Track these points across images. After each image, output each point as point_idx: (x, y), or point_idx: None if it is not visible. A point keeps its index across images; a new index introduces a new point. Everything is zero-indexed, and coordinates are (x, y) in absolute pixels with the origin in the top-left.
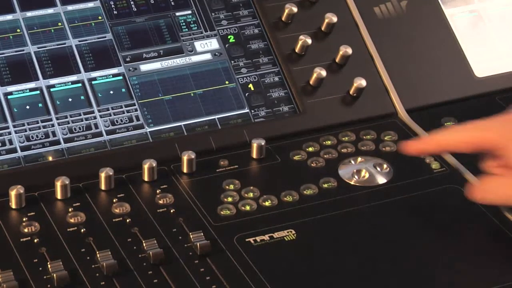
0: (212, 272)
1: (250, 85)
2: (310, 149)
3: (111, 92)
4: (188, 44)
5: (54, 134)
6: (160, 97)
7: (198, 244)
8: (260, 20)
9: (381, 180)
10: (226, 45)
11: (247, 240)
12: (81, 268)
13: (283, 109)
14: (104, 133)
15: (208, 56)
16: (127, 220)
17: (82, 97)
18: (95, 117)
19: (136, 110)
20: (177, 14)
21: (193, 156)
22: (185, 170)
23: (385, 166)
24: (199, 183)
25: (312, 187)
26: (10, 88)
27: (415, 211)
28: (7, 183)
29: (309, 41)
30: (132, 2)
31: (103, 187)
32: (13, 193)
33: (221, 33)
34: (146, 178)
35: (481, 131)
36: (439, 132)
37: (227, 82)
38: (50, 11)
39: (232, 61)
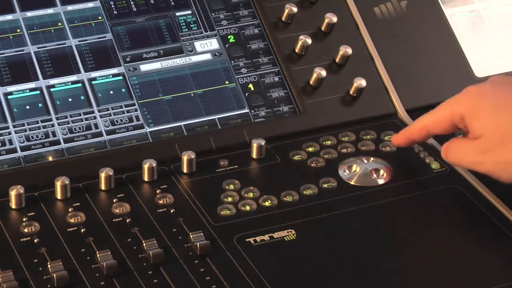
0: (212, 272)
1: (250, 85)
2: (310, 149)
3: (111, 92)
4: (188, 44)
5: (54, 134)
6: (160, 97)
7: (198, 244)
8: (260, 20)
9: (381, 180)
10: (226, 45)
11: (247, 240)
12: (81, 268)
13: (283, 109)
14: (104, 133)
15: (208, 56)
16: (127, 220)
17: (82, 97)
18: (95, 117)
19: (136, 110)
20: (177, 14)
21: (193, 156)
22: (185, 170)
23: (384, 166)
24: (199, 183)
25: (312, 187)
26: (10, 88)
27: (415, 211)
28: (7, 183)
29: (309, 41)
30: (132, 2)
31: (103, 187)
32: (13, 193)
33: (221, 33)
34: (146, 178)
35: (450, 107)
36: (417, 119)
37: (227, 82)
38: (50, 11)
39: (232, 61)
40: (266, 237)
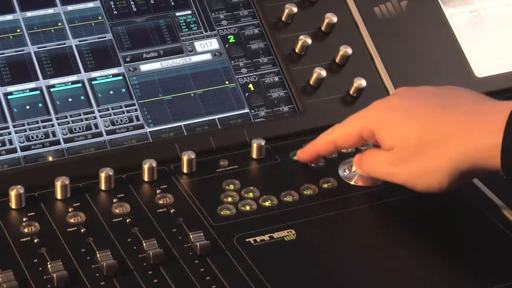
0: (212, 272)
1: (250, 85)
2: None
3: (111, 92)
4: (188, 44)
5: (54, 134)
6: (160, 97)
7: (198, 244)
8: (260, 20)
9: (381, 180)
10: (226, 45)
11: (247, 240)
12: (81, 268)
13: (283, 109)
14: (104, 133)
15: (208, 56)
16: (127, 220)
17: (82, 97)
18: (95, 117)
19: (136, 110)
20: (177, 14)
21: (193, 156)
22: (185, 170)
23: None
24: (199, 183)
25: (312, 187)
26: (10, 88)
27: (414, 211)
28: (7, 183)
29: (309, 41)
30: (132, 2)
31: (103, 187)
32: (13, 193)
33: (221, 33)
34: (146, 178)
35: (359, 122)
36: (324, 133)
37: (227, 82)
38: (50, 11)
39: (232, 61)
40: (266, 237)
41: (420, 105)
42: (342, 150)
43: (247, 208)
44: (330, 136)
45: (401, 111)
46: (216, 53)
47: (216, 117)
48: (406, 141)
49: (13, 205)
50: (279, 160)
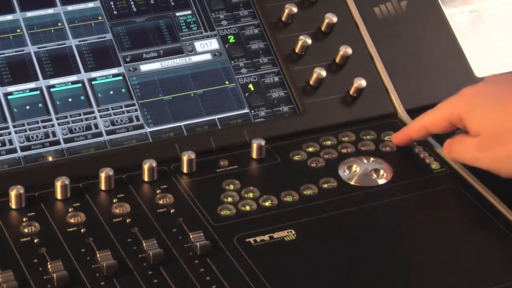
0: (212, 272)
1: (250, 85)
2: (310, 149)
3: (111, 92)
4: (188, 44)
5: (54, 134)
6: (160, 97)
7: (198, 244)
8: (260, 20)
9: (381, 180)
10: (226, 45)
11: (247, 240)
12: (81, 268)
13: (283, 109)
14: (104, 133)
15: (208, 56)
16: (127, 220)
17: (82, 97)
18: (95, 117)
19: (136, 110)
20: (177, 14)
21: (193, 156)
22: (185, 170)
23: (385, 166)
24: (199, 183)
25: (312, 187)
26: (10, 88)
27: (415, 211)
28: (7, 183)
29: (309, 41)
30: (132, 2)
31: (103, 187)
32: (13, 193)
33: (221, 33)
34: (146, 178)
35: (448, 108)
36: (416, 119)
37: (227, 82)
38: (50, 11)
39: (232, 61)
40: (266, 237)
41: (506, 92)
42: (343, 150)
43: (247, 208)
44: (422, 121)
45: (487, 97)
46: (216, 53)
47: (216, 117)
48: (491, 127)
49: (13, 205)
50: (279, 160)
